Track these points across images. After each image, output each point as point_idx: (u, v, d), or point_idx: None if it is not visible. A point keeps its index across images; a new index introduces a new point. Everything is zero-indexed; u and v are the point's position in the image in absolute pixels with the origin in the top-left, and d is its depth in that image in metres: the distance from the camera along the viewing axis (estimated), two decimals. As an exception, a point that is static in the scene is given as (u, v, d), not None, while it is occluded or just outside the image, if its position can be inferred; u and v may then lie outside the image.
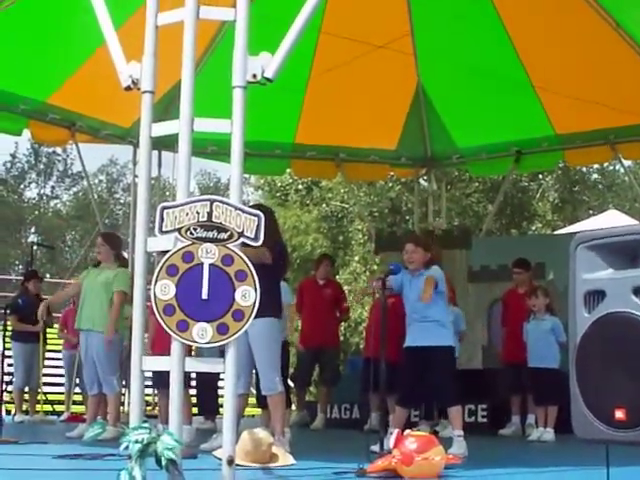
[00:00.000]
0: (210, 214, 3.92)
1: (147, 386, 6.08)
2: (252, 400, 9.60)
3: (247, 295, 3.88)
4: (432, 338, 6.88)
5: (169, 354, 3.91)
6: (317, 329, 10.77)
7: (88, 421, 8.40)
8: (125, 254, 9.60)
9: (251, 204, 4.61)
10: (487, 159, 12.87)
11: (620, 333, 3.77)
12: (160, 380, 7.88)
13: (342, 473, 4.93)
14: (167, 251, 3.95)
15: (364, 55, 10.50)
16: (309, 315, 10.89)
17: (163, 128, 4.19)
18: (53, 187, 46.48)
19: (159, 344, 7.33)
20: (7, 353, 11.60)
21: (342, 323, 12.80)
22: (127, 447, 3.54)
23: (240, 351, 4.05)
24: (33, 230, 45.37)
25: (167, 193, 13.30)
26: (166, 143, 10.99)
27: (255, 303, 3.88)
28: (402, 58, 11.17)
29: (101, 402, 8.48)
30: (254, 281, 3.89)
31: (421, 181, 15.17)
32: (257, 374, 6.83)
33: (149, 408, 11.71)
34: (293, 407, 10.12)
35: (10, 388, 11.82)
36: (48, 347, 12.77)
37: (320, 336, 10.70)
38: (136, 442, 3.53)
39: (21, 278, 13.63)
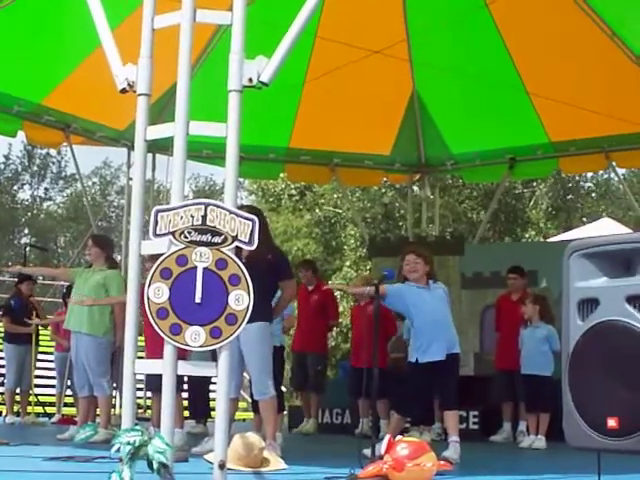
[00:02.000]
0: (204, 218, 3.92)
1: (138, 389, 6.06)
2: (242, 404, 9.58)
3: (240, 299, 3.88)
4: (445, 350, 6.90)
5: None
6: (302, 335, 10.83)
7: (79, 423, 8.38)
8: (118, 256, 9.59)
9: (239, 205, 4.52)
10: (481, 166, 12.85)
11: (613, 341, 3.77)
12: (154, 383, 7.85)
13: (333, 478, 4.92)
14: (161, 254, 3.94)
15: (359, 60, 10.48)
16: (298, 321, 10.89)
17: (158, 131, 4.19)
18: (47, 189, 46.41)
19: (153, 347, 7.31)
20: (-1, 355, 11.64)
21: (333, 329, 12.77)
22: (118, 449, 3.53)
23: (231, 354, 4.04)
24: (26, 231, 45.27)
25: (161, 196, 13.26)
26: (160, 146, 10.99)
27: (248, 307, 3.88)
28: (397, 64, 11.16)
29: (92, 404, 8.46)
30: (247, 285, 3.90)
31: (414, 187, 15.17)
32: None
33: (140, 411, 11.69)
34: (285, 412, 10.10)
35: (1, 389, 11.79)
36: (40, 349, 12.74)
37: (304, 342, 10.73)
38: (127, 444, 3.52)
39: (14, 279, 13.60)
